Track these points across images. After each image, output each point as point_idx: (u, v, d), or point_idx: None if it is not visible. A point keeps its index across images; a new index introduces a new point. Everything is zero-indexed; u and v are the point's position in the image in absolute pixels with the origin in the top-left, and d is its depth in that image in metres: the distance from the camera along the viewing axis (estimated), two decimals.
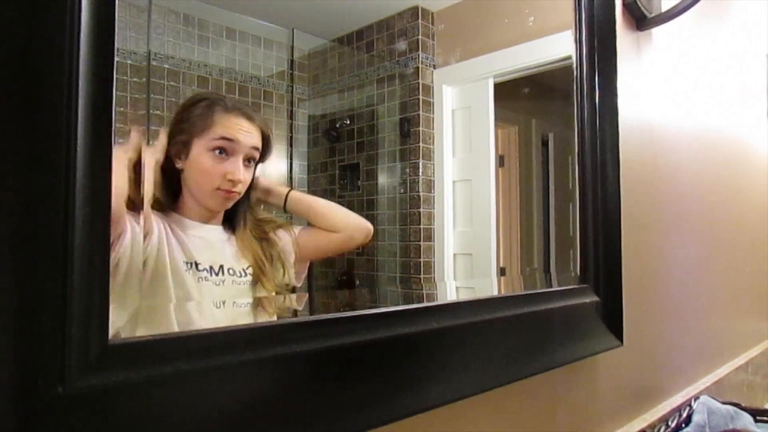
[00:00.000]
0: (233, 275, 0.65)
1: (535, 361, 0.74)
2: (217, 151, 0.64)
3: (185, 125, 0.64)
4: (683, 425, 1.05)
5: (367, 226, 0.80)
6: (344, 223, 0.78)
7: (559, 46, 0.97)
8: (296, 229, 0.75)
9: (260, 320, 0.67)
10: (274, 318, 0.68)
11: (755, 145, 1.88)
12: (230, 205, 0.67)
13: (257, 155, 0.67)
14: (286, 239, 0.74)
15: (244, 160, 0.66)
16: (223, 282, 0.64)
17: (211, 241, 0.67)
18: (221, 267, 0.64)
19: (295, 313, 0.84)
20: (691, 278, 1.35)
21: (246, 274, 0.67)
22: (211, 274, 0.63)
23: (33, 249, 0.32)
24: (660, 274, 1.19)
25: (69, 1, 0.33)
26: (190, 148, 0.63)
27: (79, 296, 0.34)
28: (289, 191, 0.76)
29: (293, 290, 0.74)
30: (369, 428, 0.51)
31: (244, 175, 0.66)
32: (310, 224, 0.77)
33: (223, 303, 0.64)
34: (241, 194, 0.67)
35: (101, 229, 0.35)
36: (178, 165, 0.64)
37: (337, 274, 0.92)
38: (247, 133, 0.66)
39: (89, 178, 0.34)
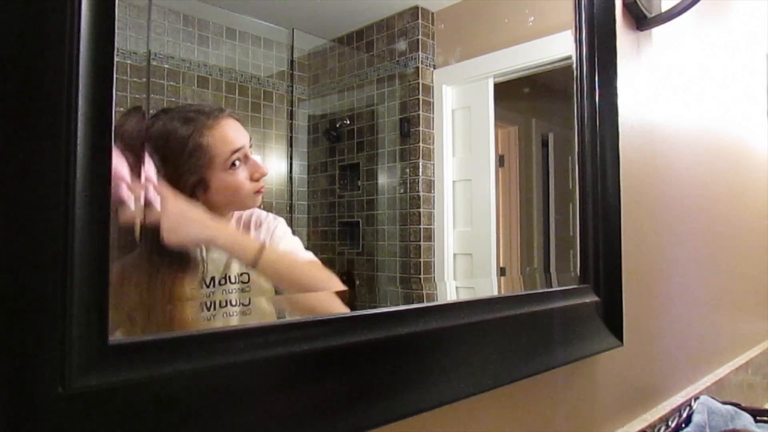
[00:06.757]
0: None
1: (535, 361, 0.74)
2: (232, 165, 0.60)
3: (189, 167, 0.59)
4: (683, 425, 1.04)
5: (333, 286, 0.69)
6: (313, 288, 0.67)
7: (559, 46, 0.97)
8: None
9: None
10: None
11: (755, 145, 1.88)
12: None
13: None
14: None
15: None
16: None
17: None
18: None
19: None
20: (691, 278, 1.35)
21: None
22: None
23: (33, 249, 0.32)
24: (660, 274, 1.19)
25: (69, 1, 0.33)
26: (208, 183, 0.59)
27: (79, 296, 0.34)
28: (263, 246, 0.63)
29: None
30: (369, 428, 0.51)
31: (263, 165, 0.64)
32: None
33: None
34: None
35: (101, 230, 0.35)
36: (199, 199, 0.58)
37: (336, 274, 0.92)
38: (239, 128, 0.63)
39: (89, 178, 0.34)
